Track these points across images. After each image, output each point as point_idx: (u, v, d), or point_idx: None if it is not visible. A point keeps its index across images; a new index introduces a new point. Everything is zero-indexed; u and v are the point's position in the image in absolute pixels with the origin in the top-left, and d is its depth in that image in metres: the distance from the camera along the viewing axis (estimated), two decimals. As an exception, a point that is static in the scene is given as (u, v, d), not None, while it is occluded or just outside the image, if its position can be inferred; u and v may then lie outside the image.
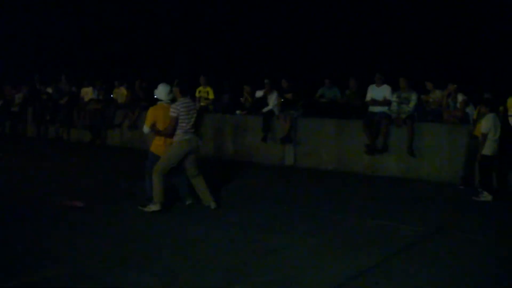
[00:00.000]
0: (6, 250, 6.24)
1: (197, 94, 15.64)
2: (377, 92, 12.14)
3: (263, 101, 14.18)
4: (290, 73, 16.58)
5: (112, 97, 18.31)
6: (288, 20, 27.02)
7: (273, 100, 13.87)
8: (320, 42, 25.47)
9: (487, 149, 9.30)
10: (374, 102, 12.07)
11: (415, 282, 5.35)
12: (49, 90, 19.61)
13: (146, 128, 8.34)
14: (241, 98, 15.68)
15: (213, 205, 8.26)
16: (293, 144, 13.21)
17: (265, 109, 13.85)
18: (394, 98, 11.84)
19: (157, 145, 8.37)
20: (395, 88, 12.01)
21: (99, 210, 8.31)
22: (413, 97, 11.68)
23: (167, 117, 8.08)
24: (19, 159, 14.07)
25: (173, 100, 8.35)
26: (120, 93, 17.90)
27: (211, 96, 15.50)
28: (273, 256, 6.05)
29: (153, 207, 7.96)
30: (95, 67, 29.51)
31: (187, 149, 8.12)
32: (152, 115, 8.32)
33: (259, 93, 14.49)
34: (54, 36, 33.74)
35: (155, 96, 8.67)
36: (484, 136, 9.30)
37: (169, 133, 8.03)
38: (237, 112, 14.90)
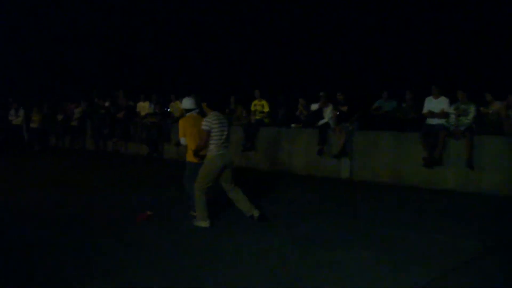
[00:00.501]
0: (59, 260, 6.39)
1: (252, 108, 15.75)
2: (435, 104, 11.96)
3: (319, 114, 14.17)
4: (346, 86, 16.53)
5: (168, 111, 18.61)
6: (344, 33, 26.92)
7: (328, 113, 13.85)
8: (376, 54, 25.29)
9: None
10: (432, 114, 11.89)
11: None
12: (107, 104, 20.09)
13: (182, 139, 8.65)
14: (296, 112, 15.72)
15: (256, 213, 8.20)
16: (349, 157, 13.12)
17: (321, 122, 13.83)
18: (452, 110, 11.64)
19: (191, 154, 8.49)
20: (453, 100, 11.81)
21: (155, 222, 8.42)
22: (472, 109, 11.46)
23: (195, 126, 8.37)
24: (78, 172, 14.43)
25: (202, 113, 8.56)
26: (176, 107, 18.19)
27: (266, 109, 15.57)
28: (328, 270, 6.00)
29: (201, 223, 7.94)
30: (151, 82, 30.07)
31: (221, 164, 7.92)
32: (182, 126, 8.58)
33: (314, 106, 14.49)
34: (112, 51, 34.53)
35: (184, 109, 8.91)
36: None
37: (202, 147, 7.99)
38: (292, 125, 14.92)
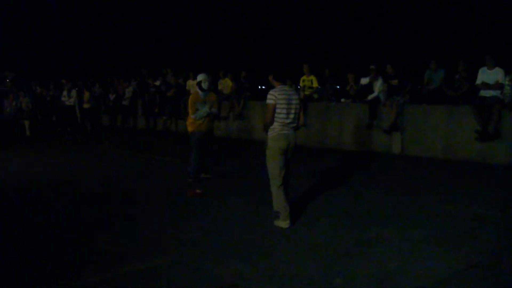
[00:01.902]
0: (115, 238, 6.51)
1: (301, 83, 15.65)
2: (489, 75, 11.56)
3: (368, 88, 13.99)
4: (396, 59, 16.26)
5: (217, 88, 18.67)
6: (392, 4, 26.44)
7: (378, 87, 13.65)
8: (428, 23, 24.76)
9: None
10: (486, 86, 11.53)
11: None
12: (157, 83, 20.27)
13: (198, 113, 9.61)
14: (346, 86, 15.56)
15: (284, 224, 6.78)
16: (400, 132, 12.94)
17: (371, 96, 13.65)
18: (507, 82, 11.31)
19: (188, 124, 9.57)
20: (508, 71, 11.46)
21: (205, 200, 8.49)
22: (528, 80, 11.12)
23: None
24: (129, 151, 14.69)
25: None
26: (226, 84, 18.24)
27: (315, 84, 15.44)
28: (376, 247, 5.93)
29: (280, 223, 6.79)
30: (199, 59, 30.22)
31: (285, 145, 6.77)
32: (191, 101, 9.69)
33: (364, 80, 14.30)
34: (160, 31, 34.80)
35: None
36: None
37: (267, 124, 6.84)
38: (342, 100, 14.78)
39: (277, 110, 6.74)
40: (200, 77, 9.93)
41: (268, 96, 6.79)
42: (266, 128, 6.85)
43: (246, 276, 5.20)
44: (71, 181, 10.47)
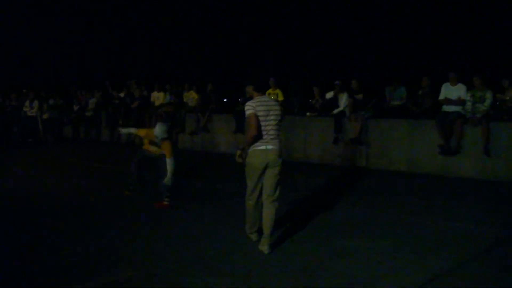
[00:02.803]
0: (83, 250, 6.43)
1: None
2: (451, 91, 11.83)
3: (334, 102, 14.11)
4: (360, 74, 16.44)
5: (182, 101, 18.60)
6: (357, 21, 26.78)
7: (344, 101, 13.78)
8: (392, 41, 25.15)
9: None
10: (449, 101, 11.77)
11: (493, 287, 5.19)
12: (121, 94, 20.11)
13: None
14: (310, 100, 15.65)
15: (266, 250, 6.25)
16: (364, 145, 13.07)
17: (336, 111, 13.77)
18: (468, 97, 11.54)
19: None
20: (469, 87, 11.69)
21: (174, 213, 8.45)
22: (488, 95, 11.36)
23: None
24: (95, 163, 14.52)
25: None
26: (190, 97, 18.20)
27: (280, 98, 15.50)
28: (347, 258, 6.00)
29: (249, 236, 6.68)
30: (165, 71, 30.10)
31: (261, 163, 6.19)
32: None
33: (329, 94, 14.42)
34: (124, 42, 34.59)
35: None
36: None
37: (255, 136, 6.17)
38: (308, 114, 14.86)
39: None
40: (157, 128, 9.38)
41: (246, 107, 6.20)
42: (253, 141, 6.15)
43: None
44: (34, 194, 10.27)
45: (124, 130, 10.34)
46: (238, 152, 6.21)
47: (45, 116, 20.71)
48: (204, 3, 32.97)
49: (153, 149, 9.53)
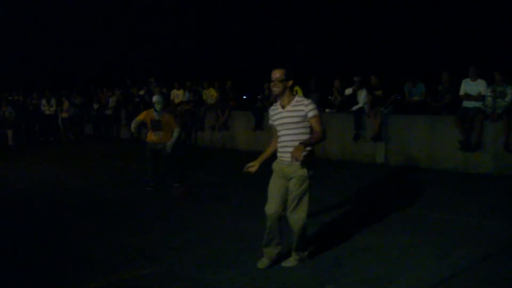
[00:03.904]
0: (103, 246, 6.53)
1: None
2: (472, 86, 11.75)
3: (353, 98, 14.09)
4: (380, 70, 16.38)
5: (202, 98, 18.68)
6: (377, 16, 26.64)
7: (363, 98, 13.76)
8: (412, 36, 24.98)
9: None
10: (468, 97, 11.70)
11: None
12: (141, 92, 20.24)
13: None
14: (329, 97, 15.63)
15: (264, 263, 5.64)
16: (383, 142, 13.04)
17: (355, 107, 13.76)
18: (489, 93, 11.46)
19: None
20: (489, 82, 11.61)
21: (192, 208, 8.52)
22: (509, 90, 11.25)
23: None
24: (115, 161, 14.64)
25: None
26: (210, 94, 18.27)
27: (300, 94, 15.47)
28: (366, 254, 6.00)
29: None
30: (184, 69, 30.21)
31: (278, 176, 5.52)
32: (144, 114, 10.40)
33: (348, 91, 14.40)
34: (145, 40, 34.74)
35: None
36: None
37: (270, 148, 5.76)
38: (326, 110, 14.85)
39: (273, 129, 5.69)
40: (154, 98, 10.42)
41: (313, 106, 5.45)
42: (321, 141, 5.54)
43: (238, 285, 5.24)
44: (55, 191, 10.43)
45: (132, 126, 10.45)
46: (300, 148, 5.07)
47: (64, 114, 20.91)
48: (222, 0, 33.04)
49: (156, 137, 10.15)
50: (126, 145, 19.00)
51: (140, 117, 10.36)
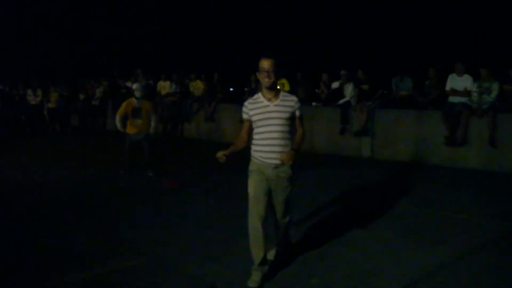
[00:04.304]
0: (89, 239, 6.48)
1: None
2: (458, 82, 11.82)
3: (339, 92, 14.10)
4: (366, 64, 16.41)
5: (189, 90, 18.63)
6: (364, 11, 26.68)
7: (349, 92, 13.78)
8: (399, 31, 25.05)
9: None
10: (455, 92, 11.76)
11: (500, 277, 5.19)
12: (128, 84, 20.13)
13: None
14: (316, 90, 15.65)
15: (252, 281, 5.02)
16: (370, 136, 13.06)
17: (342, 101, 13.78)
18: (474, 88, 11.50)
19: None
20: (475, 78, 11.66)
21: (179, 200, 8.50)
22: (495, 86, 11.32)
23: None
24: (100, 152, 14.57)
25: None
26: (196, 86, 18.22)
27: (286, 88, 15.49)
28: (351, 249, 6.01)
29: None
30: (171, 61, 30.10)
31: (258, 177, 5.02)
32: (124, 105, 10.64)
33: (335, 84, 14.43)
34: (131, 31, 34.57)
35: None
36: None
37: (239, 143, 5.21)
38: (313, 103, 14.85)
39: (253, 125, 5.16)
40: (134, 86, 10.87)
41: (300, 104, 5.20)
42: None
43: (224, 277, 5.24)
44: (40, 184, 10.33)
45: (117, 124, 10.75)
46: (293, 154, 4.94)
47: (51, 104, 20.73)
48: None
49: (135, 127, 10.46)
50: (112, 137, 18.89)
51: (122, 109, 10.57)
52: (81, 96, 21.93)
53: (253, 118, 5.01)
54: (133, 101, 10.54)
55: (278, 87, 5.10)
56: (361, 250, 5.97)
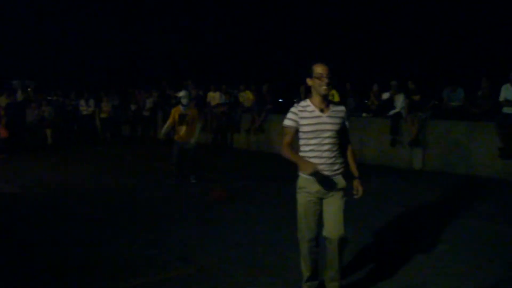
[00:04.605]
0: (136, 246, 6.55)
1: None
2: (512, 92, 11.56)
3: (390, 103, 13.97)
4: (417, 75, 16.23)
5: (238, 101, 18.74)
6: (416, 21, 26.40)
7: (400, 102, 13.63)
8: (452, 41, 24.70)
9: None
10: (509, 103, 11.49)
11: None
12: (179, 95, 20.33)
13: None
14: (366, 101, 15.53)
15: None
16: (421, 147, 12.88)
17: (392, 112, 13.63)
18: (530, 99, 11.24)
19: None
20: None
21: (228, 210, 8.53)
22: (552, 96, 11.04)
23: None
24: (151, 161, 14.77)
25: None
26: (246, 97, 18.30)
27: (336, 98, 15.40)
28: (402, 262, 5.92)
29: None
30: (221, 72, 30.35)
31: (308, 197, 4.70)
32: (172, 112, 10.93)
33: (385, 95, 14.29)
34: (181, 42, 34.96)
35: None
36: None
37: (284, 153, 4.83)
38: (363, 114, 14.75)
39: (301, 136, 4.86)
40: (180, 94, 11.14)
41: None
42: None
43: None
44: (93, 190, 10.54)
45: (162, 132, 11.23)
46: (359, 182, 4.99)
47: (104, 114, 21.12)
48: (258, 3, 33.13)
49: (182, 134, 10.64)
50: (163, 146, 19.12)
51: (171, 117, 10.88)
52: (132, 106, 22.27)
53: (304, 129, 4.66)
54: (180, 108, 10.83)
55: (329, 98, 4.87)
56: (413, 263, 5.88)
